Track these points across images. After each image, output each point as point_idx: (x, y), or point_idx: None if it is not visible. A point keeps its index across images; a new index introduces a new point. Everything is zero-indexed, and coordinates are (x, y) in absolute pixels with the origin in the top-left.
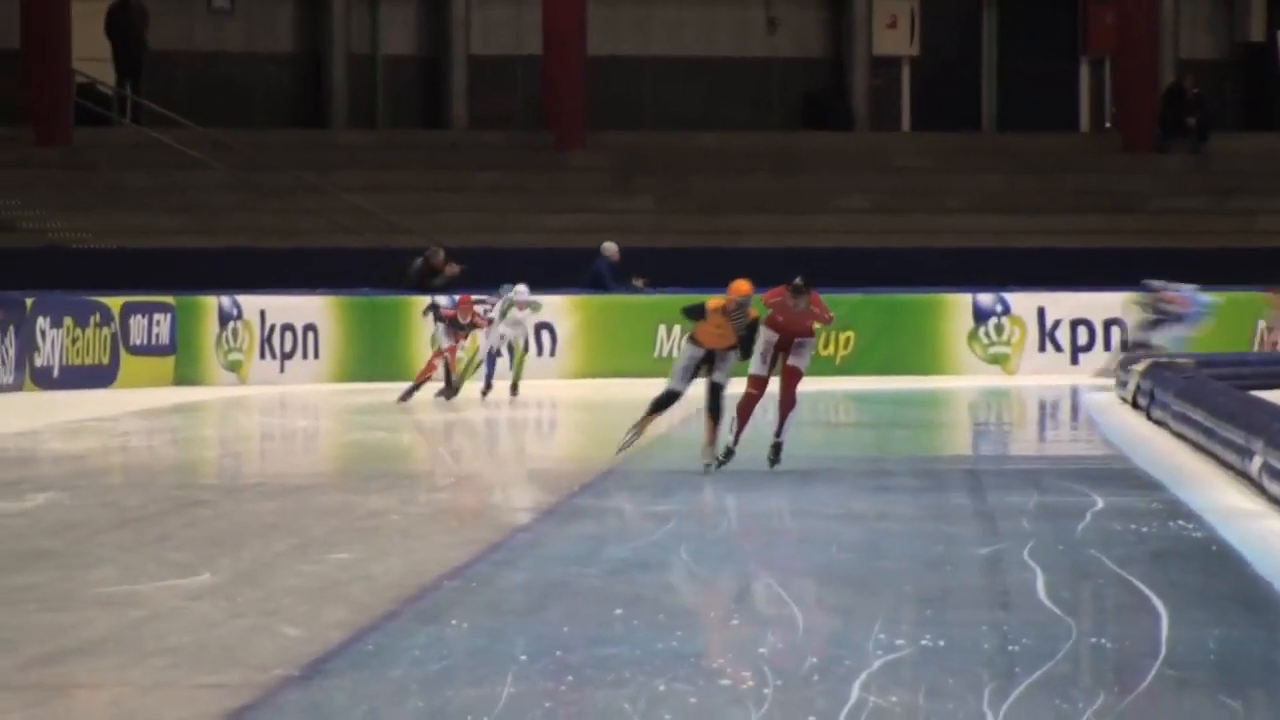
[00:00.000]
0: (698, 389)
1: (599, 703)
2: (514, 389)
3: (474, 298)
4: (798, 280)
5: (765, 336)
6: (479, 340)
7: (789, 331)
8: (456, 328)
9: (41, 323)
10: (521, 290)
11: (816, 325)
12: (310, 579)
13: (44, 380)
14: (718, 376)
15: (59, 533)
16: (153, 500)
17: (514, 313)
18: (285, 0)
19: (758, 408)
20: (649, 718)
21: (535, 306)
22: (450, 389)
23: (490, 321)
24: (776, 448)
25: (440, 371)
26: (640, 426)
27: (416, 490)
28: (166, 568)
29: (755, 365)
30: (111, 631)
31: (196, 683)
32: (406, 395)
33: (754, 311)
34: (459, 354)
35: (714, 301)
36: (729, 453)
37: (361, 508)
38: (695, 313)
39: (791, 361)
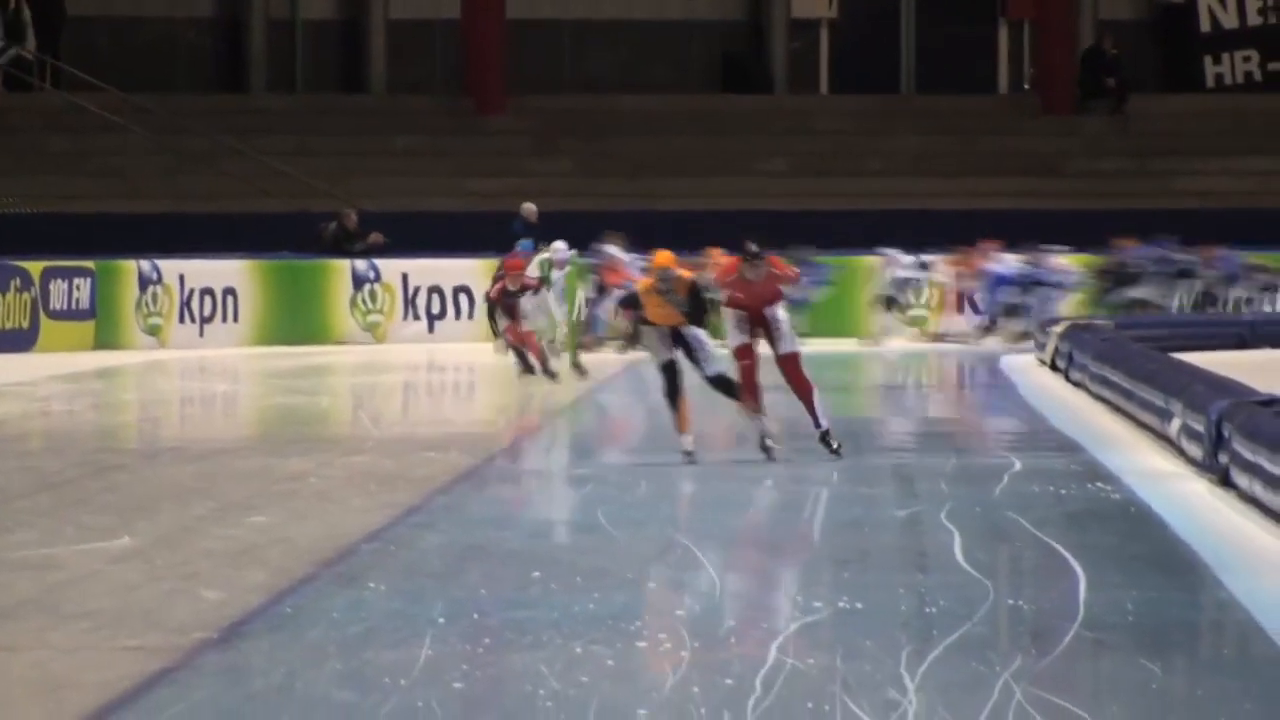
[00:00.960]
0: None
1: (517, 665)
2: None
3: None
4: (751, 247)
5: (733, 317)
6: (537, 305)
7: (755, 304)
8: (512, 298)
9: None
10: (560, 248)
11: (784, 288)
12: (229, 542)
13: None
14: (707, 368)
15: None
16: (72, 465)
17: (553, 273)
18: None
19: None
20: (566, 680)
21: (573, 263)
22: (546, 370)
23: (541, 281)
24: (825, 436)
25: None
26: (682, 417)
27: (335, 454)
28: (86, 531)
29: (732, 338)
30: (31, 595)
31: (117, 645)
32: (533, 369)
33: (685, 273)
34: (528, 326)
35: (642, 283)
36: (762, 440)
37: (280, 471)
38: (631, 302)
39: (782, 350)
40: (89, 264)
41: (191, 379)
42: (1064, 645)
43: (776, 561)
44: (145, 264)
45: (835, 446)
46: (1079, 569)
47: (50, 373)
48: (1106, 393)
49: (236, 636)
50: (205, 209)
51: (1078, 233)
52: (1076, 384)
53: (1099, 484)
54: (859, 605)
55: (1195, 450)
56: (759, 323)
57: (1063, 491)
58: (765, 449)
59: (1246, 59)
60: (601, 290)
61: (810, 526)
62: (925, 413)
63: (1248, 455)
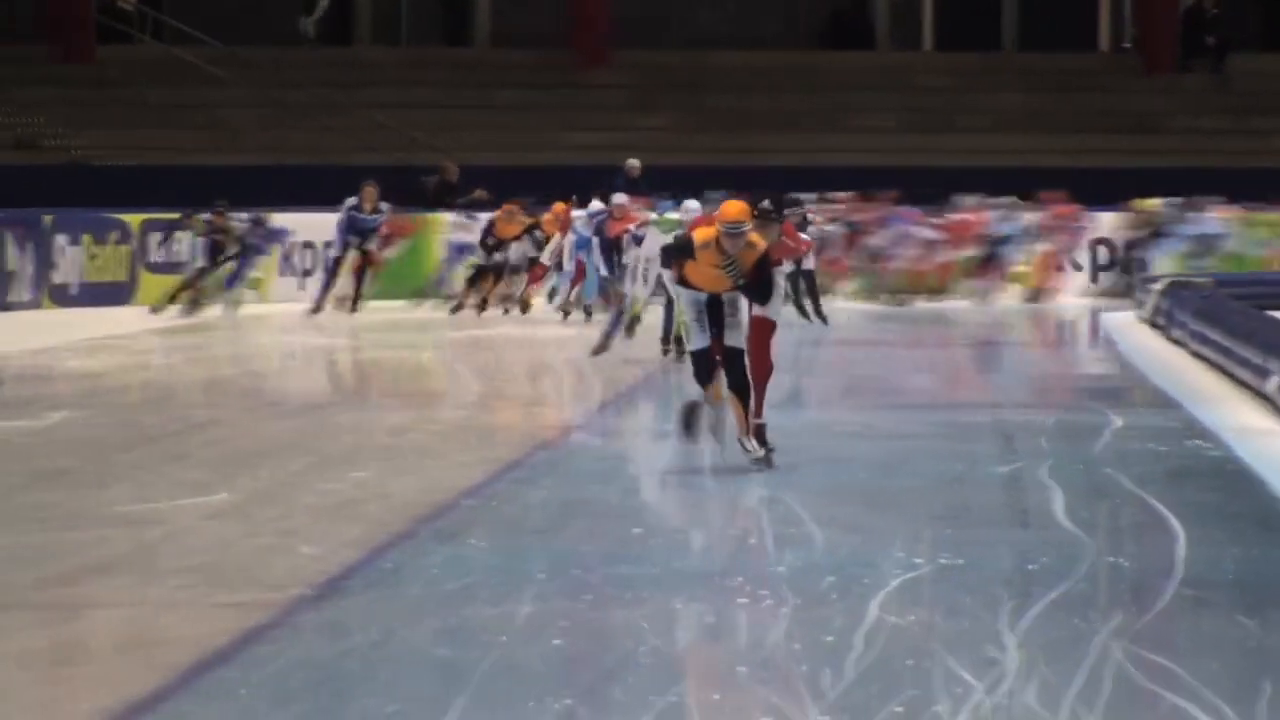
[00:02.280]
0: None
1: (618, 621)
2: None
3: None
4: (764, 204)
5: (691, 298)
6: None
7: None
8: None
9: (60, 240)
10: (692, 207)
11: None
12: (327, 497)
13: (62, 298)
14: (731, 338)
15: (75, 451)
16: (170, 419)
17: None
18: None
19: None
20: (667, 636)
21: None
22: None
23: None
24: (759, 431)
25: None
26: (715, 408)
27: (435, 409)
28: (183, 487)
29: (695, 337)
30: (128, 550)
31: (213, 601)
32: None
33: (757, 239)
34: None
35: (703, 233)
36: (759, 432)
37: (380, 426)
38: (680, 251)
39: (758, 311)
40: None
41: (290, 333)
42: (1163, 603)
43: (876, 517)
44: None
45: (762, 451)
46: (1178, 526)
47: (148, 326)
48: (1206, 350)
49: (334, 593)
50: (307, 161)
51: (1178, 191)
52: (1176, 341)
53: (1198, 441)
54: (959, 562)
55: None
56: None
57: (1162, 448)
58: (756, 458)
59: None
60: (601, 241)
61: (911, 483)
62: (1025, 370)
63: None
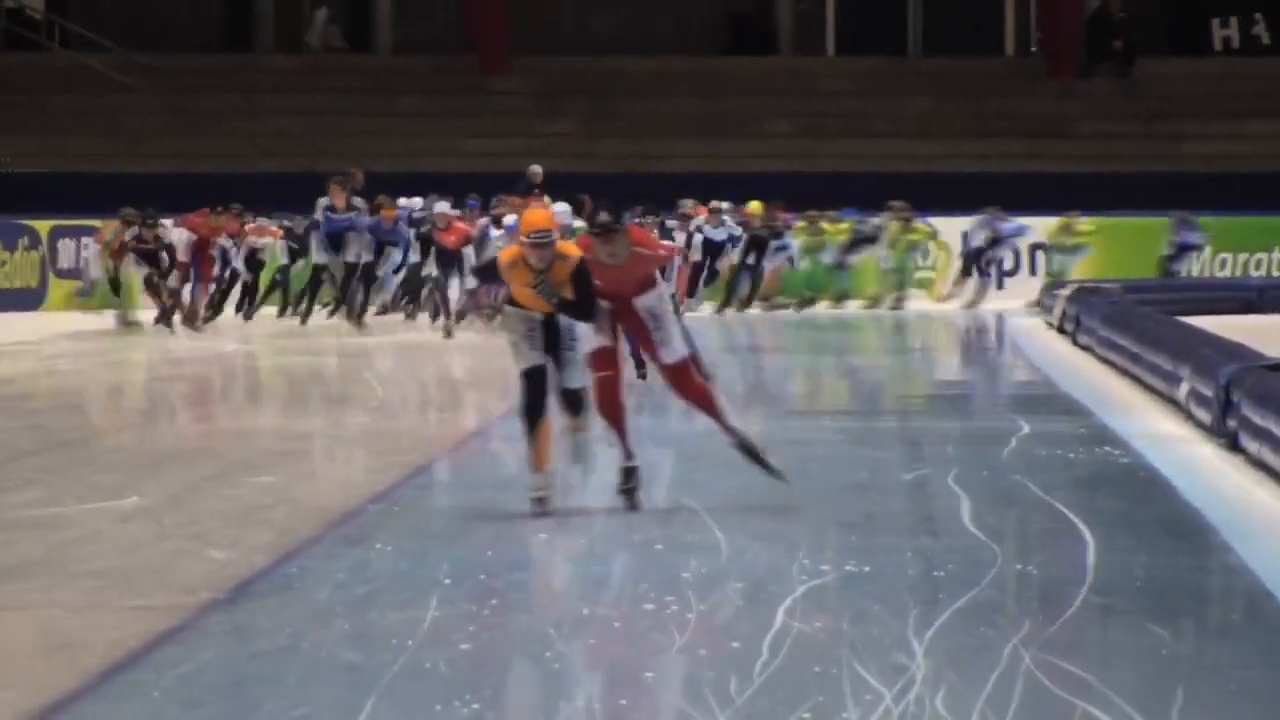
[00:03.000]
0: None
1: (523, 626)
2: None
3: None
4: (602, 216)
5: (516, 318)
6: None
7: (617, 293)
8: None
9: None
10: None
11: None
12: (235, 503)
13: None
14: (569, 377)
15: None
16: (79, 424)
17: None
18: None
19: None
20: (573, 641)
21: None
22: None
23: None
24: (745, 448)
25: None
26: (540, 451)
27: (342, 414)
28: (93, 490)
29: (525, 355)
30: (38, 554)
31: (124, 605)
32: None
33: (570, 249)
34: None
35: (507, 253)
36: (629, 473)
37: (287, 431)
38: (489, 274)
39: (666, 359)
40: (97, 223)
41: (198, 339)
42: (1072, 610)
43: (783, 524)
44: None
45: (766, 463)
46: (1087, 533)
47: (58, 331)
48: (1114, 356)
49: (243, 596)
50: (211, 169)
51: (1085, 195)
52: (1084, 347)
53: (1107, 448)
54: (866, 569)
55: (1204, 414)
56: (625, 318)
57: (1071, 455)
58: (624, 491)
59: (1253, 22)
60: (426, 253)
61: (816, 490)
62: (932, 375)
63: (1257, 420)
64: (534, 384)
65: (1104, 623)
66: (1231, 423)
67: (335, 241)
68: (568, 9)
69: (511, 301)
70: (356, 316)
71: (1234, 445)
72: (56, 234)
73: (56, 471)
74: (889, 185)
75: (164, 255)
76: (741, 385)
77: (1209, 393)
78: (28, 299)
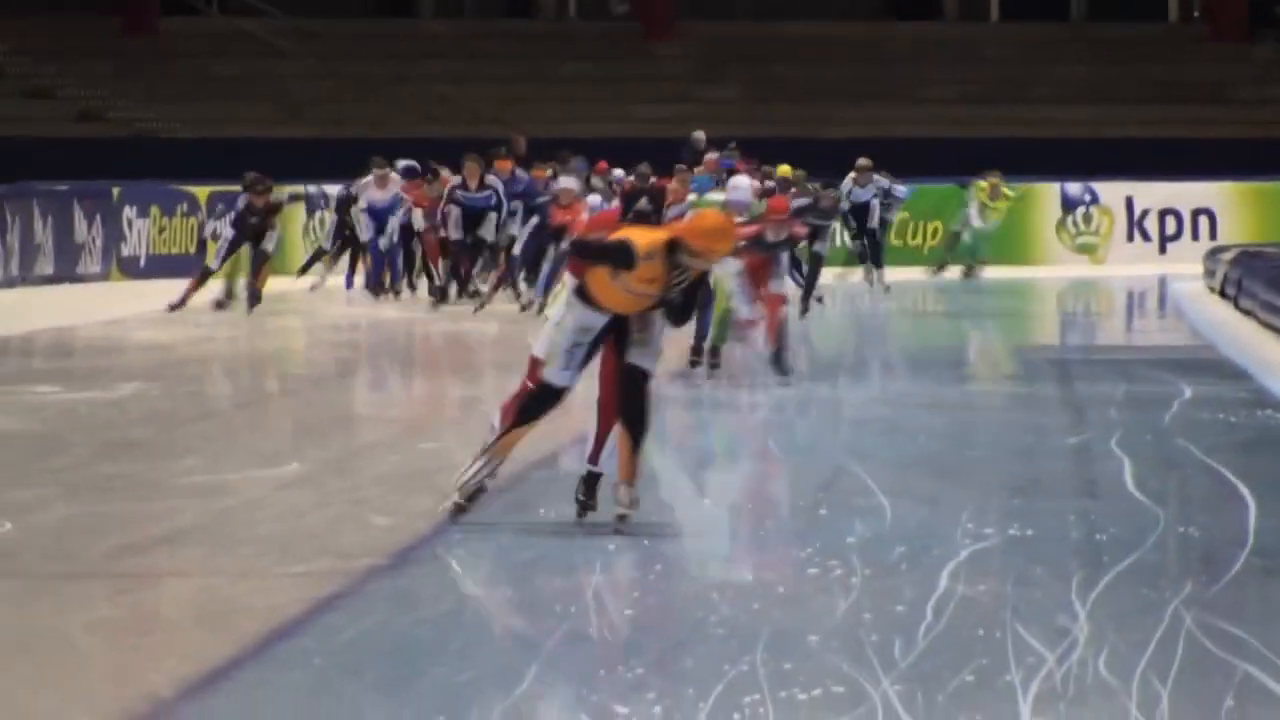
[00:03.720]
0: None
1: (687, 592)
2: None
3: None
4: (643, 203)
5: (586, 320)
6: None
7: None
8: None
9: (129, 212)
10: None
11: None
12: (398, 468)
13: (131, 269)
14: (637, 355)
15: (147, 422)
16: (240, 390)
17: None
18: None
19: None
20: (737, 606)
21: None
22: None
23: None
24: (590, 481)
25: None
26: (495, 451)
27: (507, 379)
28: (254, 457)
29: (552, 369)
30: (200, 521)
31: (285, 571)
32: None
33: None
34: None
35: (648, 237)
36: (591, 481)
37: (450, 396)
38: (613, 257)
39: (635, 359)
40: None
41: (357, 305)
42: (1234, 572)
43: (946, 488)
44: (313, 189)
45: (589, 501)
46: (1249, 496)
47: (215, 298)
48: (1277, 320)
49: (405, 563)
50: (370, 134)
51: (1245, 161)
52: (1246, 311)
53: (1269, 411)
54: (1029, 532)
55: None
56: (621, 332)
57: (1233, 419)
58: (580, 501)
59: None
60: (543, 231)
61: (980, 453)
62: (1095, 340)
63: None
64: (544, 402)
65: (1265, 585)
66: None
67: (474, 220)
68: None
69: (583, 295)
70: (514, 290)
71: None
72: (215, 200)
73: (217, 439)
74: (1050, 150)
75: (271, 223)
76: (905, 347)
77: None
78: (186, 265)
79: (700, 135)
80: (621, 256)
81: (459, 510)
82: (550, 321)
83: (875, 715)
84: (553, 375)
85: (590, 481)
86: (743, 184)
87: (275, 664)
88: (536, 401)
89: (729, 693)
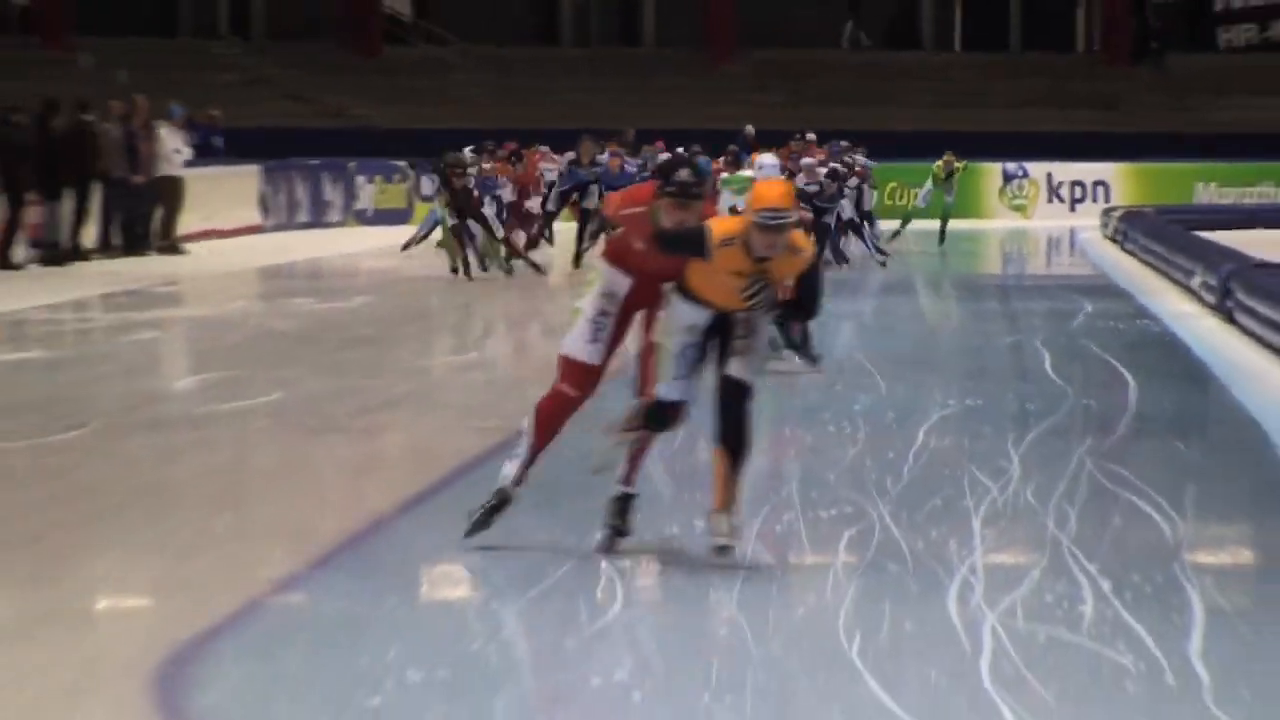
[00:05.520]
0: None
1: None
2: None
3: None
4: (683, 173)
5: (609, 283)
6: None
7: (659, 273)
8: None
9: (360, 179)
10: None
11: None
12: (547, 357)
13: (362, 218)
14: (737, 366)
15: (373, 323)
16: (440, 302)
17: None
18: None
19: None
20: (773, 456)
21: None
22: None
23: None
24: (622, 503)
25: None
26: (622, 433)
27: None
28: (445, 348)
29: (581, 336)
30: (409, 391)
31: (468, 426)
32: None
33: (802, 241)
34: None
35: (723, 226)
36: (621, 510)
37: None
38: (688, 244)
39: (735, 371)
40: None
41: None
42: (1119, 432)
43: (923, 373)
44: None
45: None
46: (1130, 378)
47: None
48: (1150, 258)
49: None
50: (523, 126)
51: (1131, 149)
52: (1129, 252)
53: (1144, 321)
54: (979, 403)
55: (1209, 298)
56: (647, 305)
57: (1119, 326)
58: (721, 549)
59: (1248, 30)
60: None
61: (946, 349)
62: (1025, 271)
63: (1246, 302)
64: (664, 420)
65: (1140, 440)
66: (1229, 304)
67: (580, 191)
68: (775, 12)
69: (685, 291)
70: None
71: (1230, 319)
72: (420, 169)
73: (420, 335)
74: (995, 140)
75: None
76: (890, 277)
77: (1214, 283)
78: (398, 217)
79: (750, 129)
80: (693, 244)
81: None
82: (581, 314)
83: (873, 528)
84: (664, 390)
85: (622, 503)
86: (768, 161)
87: (463, 490)
88: (663, 421)
89: (773, 512)
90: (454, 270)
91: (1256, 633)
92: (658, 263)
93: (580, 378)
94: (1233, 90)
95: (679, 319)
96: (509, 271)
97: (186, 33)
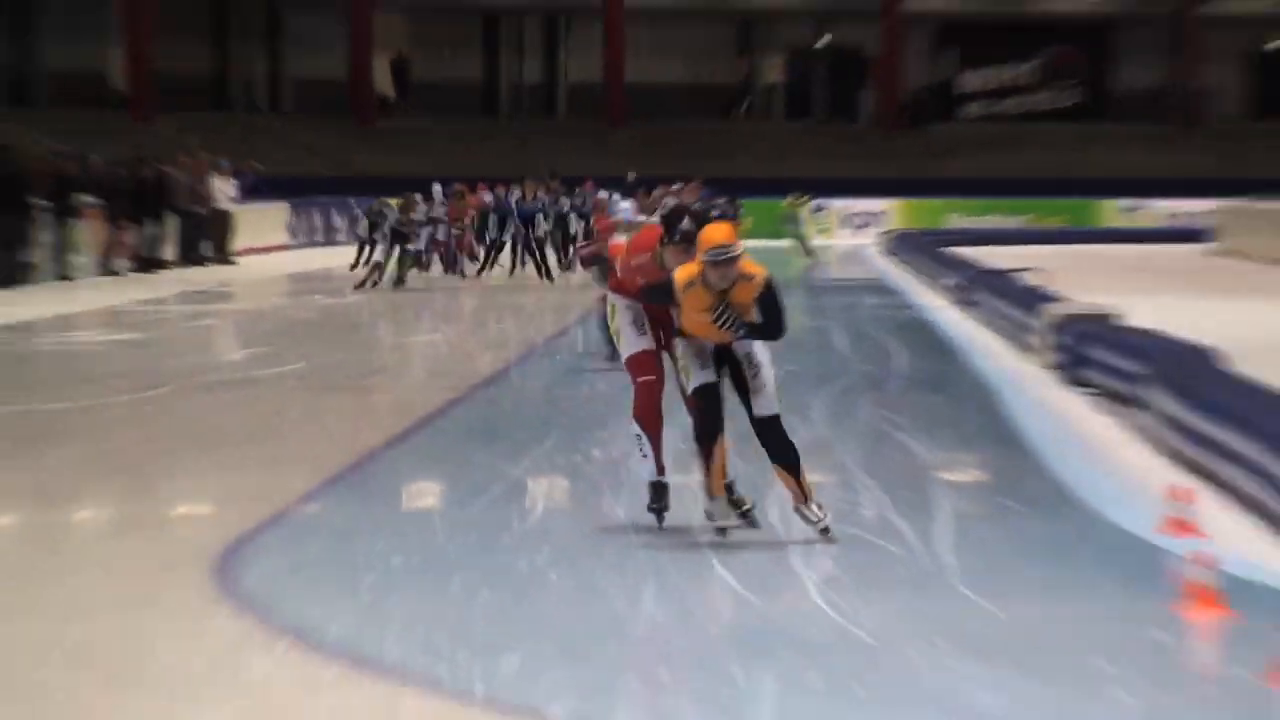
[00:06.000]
0: None
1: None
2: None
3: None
4: (686, 224)
5: (629, 313)
6: None
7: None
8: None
9: (358, 211)
10: (625, 207)
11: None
12: (497, 334)
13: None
14: (759, 405)
15: (365, 314)
16: (410, 299)
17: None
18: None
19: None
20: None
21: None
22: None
23: None
24: (659, 489)
25: None
26: (714, 476)
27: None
28: (416, 329)
29: (629, 339)
30: (392, 361)
31: (435, 385)
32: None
33: (752, 267)
34: None
35: (683, 271)
36: (659, 490)
37: (518, 309)
38: (660, 294)
39: (760, 410)
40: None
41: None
42: (891, 386)
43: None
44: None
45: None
46: (900, 350)
47: None
48: (911, 267)
49: (495, 381)
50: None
51: (899, 190)
52: (898, 263)
53: (908, 310)
54: (795, 368)
55: (953, 294)
56: (660, 318)
57: (890, 314)
58: (653, 510)
59: (979, 106)
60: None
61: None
62: (828, 275)
63: (978, 296)
64: (709, 403)
65: (906, 394)
66: (966, 298)
67: (528, 222)
68: (649, 95)
69: (680, 333)
70: (547, 270)
71: (968, 306)
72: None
73: (399, 322)
74: (813, 183)
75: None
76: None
77: (956, 283)
78: None
79: (631, 175)
80: (664, 294)
81: (724, 528)
82: (619, 330)
83: (800, 429)
84: (699, 379)
85: (659, 489)
86: (624, 204)
87: (432, 432)
88: (709, 406)
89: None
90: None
91: (990, 530)
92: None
93: (649, 364)
94: (969, 149)
95: (690, 353)
96: (398, 282)
97: (238, 109)
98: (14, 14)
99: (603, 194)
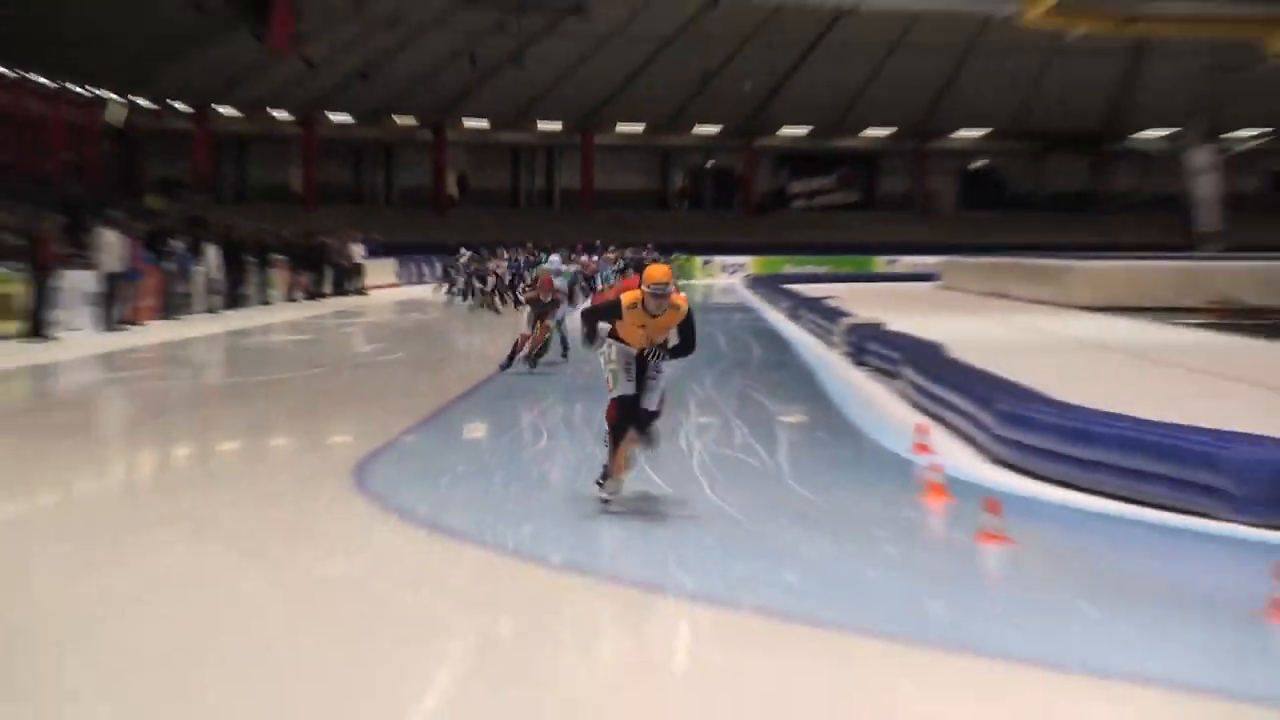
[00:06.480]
0: None
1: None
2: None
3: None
4: (661, 285)
5: (623, 358)
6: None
7: (650, 339)
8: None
9: (438, 265)
10: (554, 260)
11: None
12: (464, 351)
13: (437, 281)
14: (648, 400)
15: (440, 324)
16: (469, 317)
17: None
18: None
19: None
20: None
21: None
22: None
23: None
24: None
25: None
26: (619, 464)
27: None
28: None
29: (621, 384)
30: (460, 351)
31: (486, 366)
32: (508, 364)
33: (680, 300)
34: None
35: (630, 295)
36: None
37: (496, 333)
38: (609, 312)
39: (645, 404)
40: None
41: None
42: (751, 368)
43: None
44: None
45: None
46: (755, 344)
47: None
48: (765, 299)
49: (479, 390)
50: (503, 239)
51: (758, 250)
52: (756, 294)
53: (761, 322)
54: (693, 356)
55: (788, 313)
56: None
57: (749, 323)
58: (605, 499)
59: (805, 201)
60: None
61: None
62: (713, 300)
63: (800, 314)
64: (626, 410)
65: (765, 373)
66: (795, 315)
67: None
68: (611, 192)
69: (615, 336)
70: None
71: (795, 318)
72: (445, 269)
73: (463, 329)
74: (706, 247)
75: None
76: None
77: (789, 306)
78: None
79: (598, 244)
80: (613, 311)
81: (609, 499)
82: (606, 369)
83: (697, 392)
84: (623, 389)
85: (609, 472)
86: (554, 259)
87: (480, 394)
88: (625, 411)
89: (597, 419)
90: (480, 306)
91: (809, 450)
92: (649, 334)
93: (627, 406)
94: (797, 227)
95: (619, 355)
96: (496, 310)
97: (365, 201)
98: (241, 149)
99: (543, 255)
